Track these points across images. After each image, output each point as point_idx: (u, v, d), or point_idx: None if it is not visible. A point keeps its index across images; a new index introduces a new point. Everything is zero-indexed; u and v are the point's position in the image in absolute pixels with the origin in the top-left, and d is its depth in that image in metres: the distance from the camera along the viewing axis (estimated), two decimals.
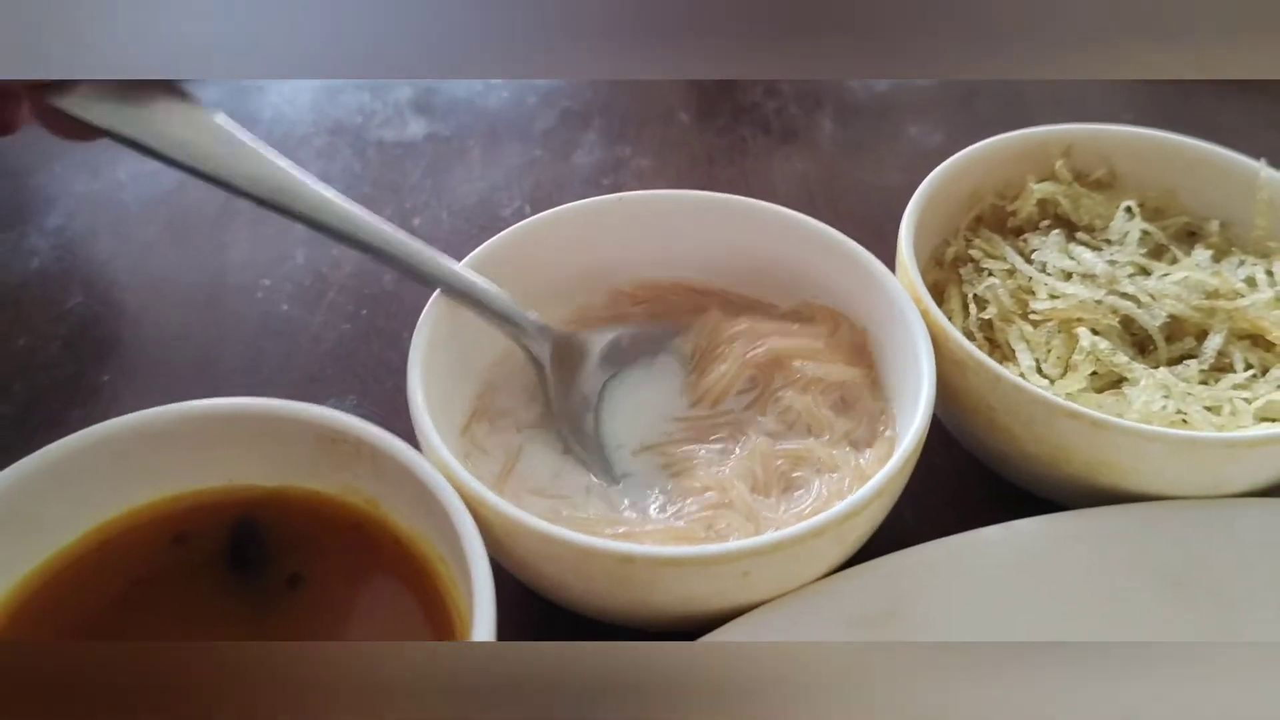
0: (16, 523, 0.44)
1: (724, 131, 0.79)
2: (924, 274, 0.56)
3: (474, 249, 0.53)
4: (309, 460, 0.47)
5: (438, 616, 0.45)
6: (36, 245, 0.70)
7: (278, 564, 0.47)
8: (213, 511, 0.48)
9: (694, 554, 0.42)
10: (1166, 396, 0.49)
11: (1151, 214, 0.59)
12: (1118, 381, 0.52)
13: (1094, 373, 0.51)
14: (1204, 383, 0.52)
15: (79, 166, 0.75)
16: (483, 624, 0.40)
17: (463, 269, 0.51)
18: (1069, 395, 0.50)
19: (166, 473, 0.47)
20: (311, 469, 0.48)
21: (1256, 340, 0.53)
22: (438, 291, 0.50)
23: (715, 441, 0.52)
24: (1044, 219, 0.58)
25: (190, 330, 0.65)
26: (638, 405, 0.53)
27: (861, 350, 0.54)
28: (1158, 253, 0.57)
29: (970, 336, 0.54)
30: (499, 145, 0.77)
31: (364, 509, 0.47)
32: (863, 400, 0.53)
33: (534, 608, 0.49)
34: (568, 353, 0.53)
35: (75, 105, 0.47)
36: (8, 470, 0.44)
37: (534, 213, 0.56)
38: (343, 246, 0.48)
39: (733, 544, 0.42)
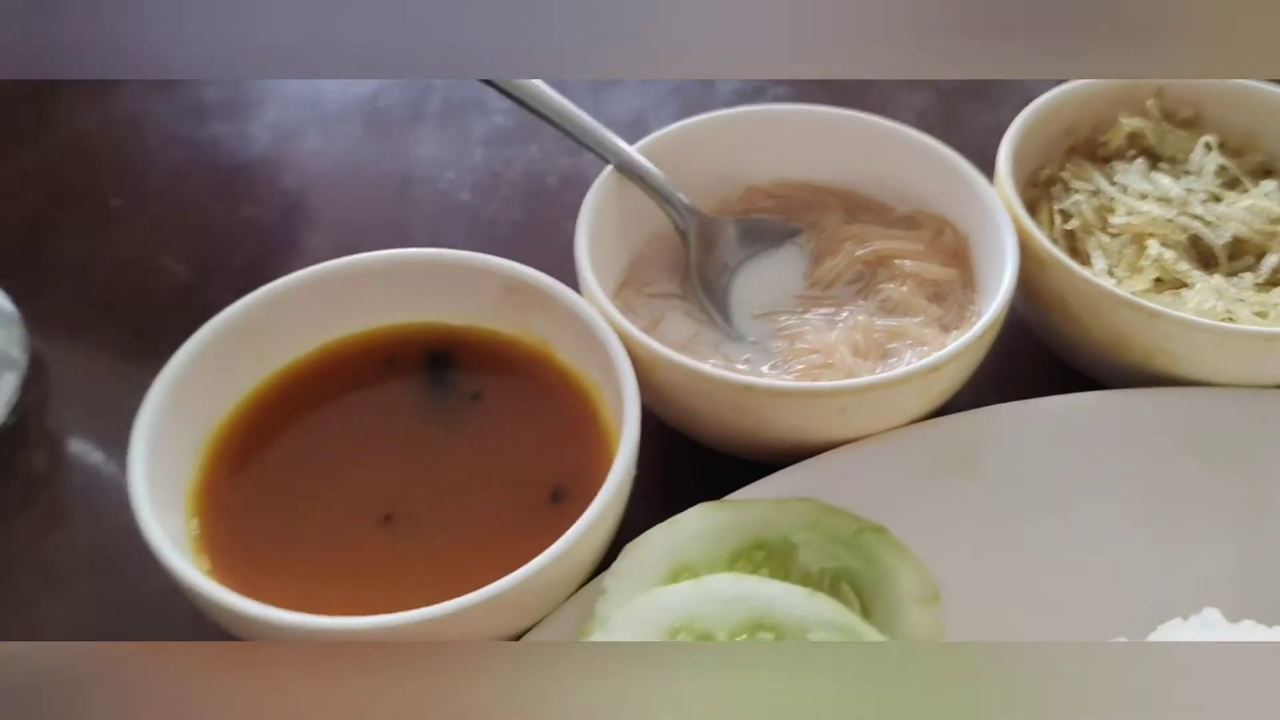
0: (259, 334, 0.56)
1: None
2: (1020, 193, 0.64)
3: None
4: (492, 305, 0.58)
5: (592, 431, 0.55)
6: (256, 134, 0.82)
7: (463, 384, 0.58)
8: (414, 342, 0.59)
9: (803, 388, 0.52)
10: (1219, 299, 0.57)
11: (1232, 153, 0.66)
12: (1180, 288, 0.60)
13: (1159, 279, 0.59)
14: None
15: None
16: (629, 433, 0.51)
17: (633, 149, 0.61)
18: (1133, 293, 0.58)
19: (378, 308, 0.59)
20: (493, 313, 0.58)
21: None
22: (608, 169, 0.61)
23: (824, 315, 0.61)
24: (1131, 150, 0.66)
25: (382, 210, 0.77)
26: (762, 281, 0.63)
27: (960, 254, 0.63)
28: (1233, 185, 0.65)
29: (1054, 244, 0.62)
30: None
31: (535, 347, 0.58)
32: (955, 294, 0.62)
33: (669, 441, 0.59)
34: (708, 231, 0.63)
35: None
36: (257, 291, 0.56)
37: None
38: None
39: (835, 383, 0.52)
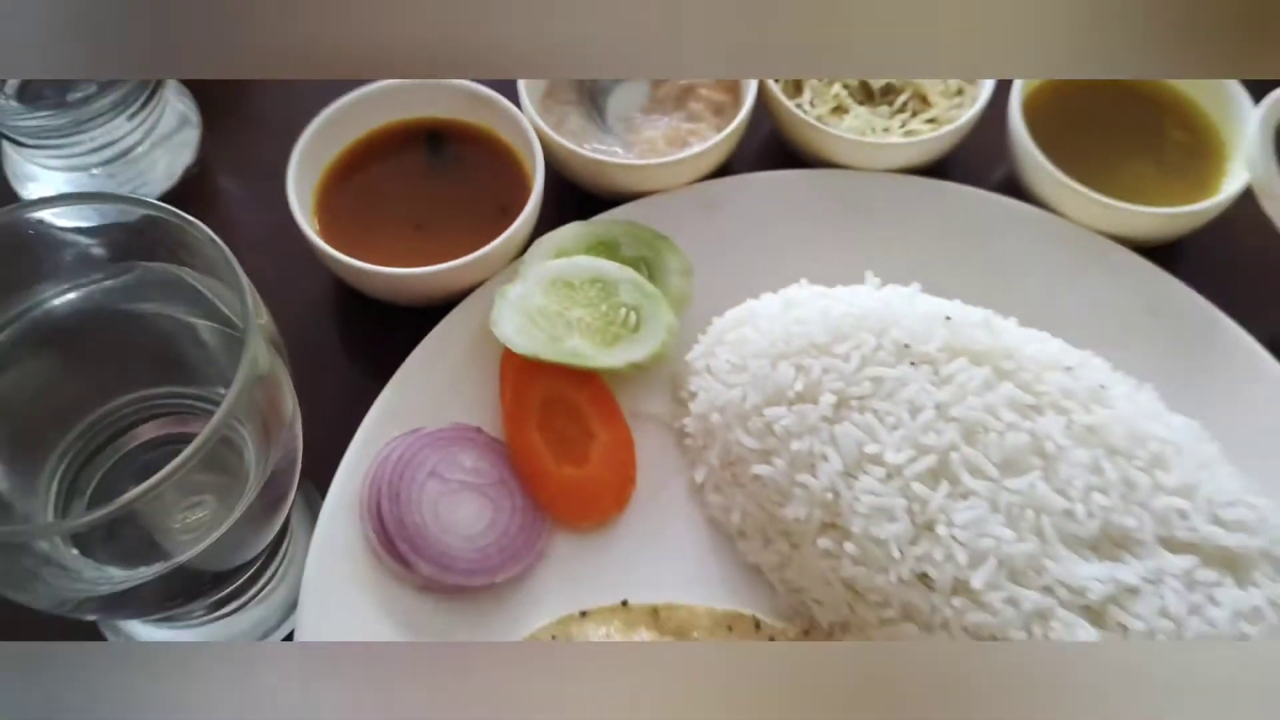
0: (342, 122, 1.03)
1: None
2: None
3: None
4: (464, 107, 1.05)
5: (521, 178, 1.03)
6: None
7: (450, 151, 1.05)
8: (418, 127, 1.06)
9: (632, 163, 1.01)
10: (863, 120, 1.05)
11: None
12: (843, 113, 1.07)
13: (836, 108, 1.07)
14: None
15: None
16: (538, 180, 0.99)
17: None
18: (817, 116, 1.05)
19: (397, 108, 1.05)
20: (465, 111, 1.05)
21: None
22: None
23: (654, 120, 1.08)
24: None
25: None
26: (627, 97, 1.10)
27: (735, 87, 1.10)
28: None
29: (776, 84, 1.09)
30: None
31: (488, 130, 1.06)
32: (728, 111, 1.09)
33: (563, 189, 1.07)
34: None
35: None
36: (338, 101, 1.02)
37: None
38: None
39: (648, 160, 1.01)
